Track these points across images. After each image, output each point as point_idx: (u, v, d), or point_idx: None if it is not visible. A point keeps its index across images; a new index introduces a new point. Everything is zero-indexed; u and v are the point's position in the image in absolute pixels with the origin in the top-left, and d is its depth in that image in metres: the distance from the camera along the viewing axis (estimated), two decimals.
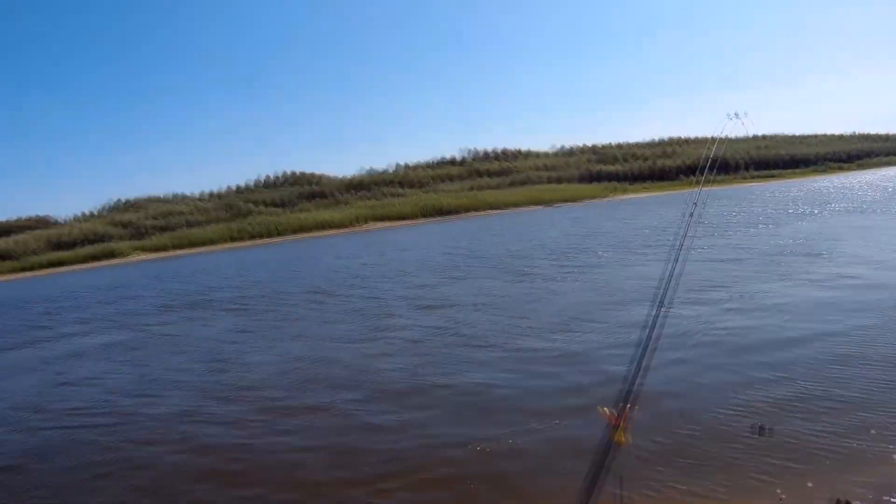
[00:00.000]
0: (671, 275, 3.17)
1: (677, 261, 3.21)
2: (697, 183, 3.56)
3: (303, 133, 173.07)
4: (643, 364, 2.80)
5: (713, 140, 3.77)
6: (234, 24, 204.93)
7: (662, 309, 3.05)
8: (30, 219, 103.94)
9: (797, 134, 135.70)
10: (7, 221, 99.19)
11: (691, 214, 3.36)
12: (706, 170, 3.67)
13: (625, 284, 14.31)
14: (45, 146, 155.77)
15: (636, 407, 2.65)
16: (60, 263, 75.61)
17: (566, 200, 77.93)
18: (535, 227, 38.58)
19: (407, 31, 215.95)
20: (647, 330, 2.97)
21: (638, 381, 2.73)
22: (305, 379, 9.52)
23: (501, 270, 18.94)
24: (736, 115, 3.54)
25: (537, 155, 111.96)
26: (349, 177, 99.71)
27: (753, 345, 8.66)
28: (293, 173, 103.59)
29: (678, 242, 3.25)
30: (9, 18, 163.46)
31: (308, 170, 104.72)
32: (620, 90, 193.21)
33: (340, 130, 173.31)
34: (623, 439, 2.54)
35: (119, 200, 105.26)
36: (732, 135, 3.63)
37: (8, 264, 77.08)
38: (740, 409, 6.42)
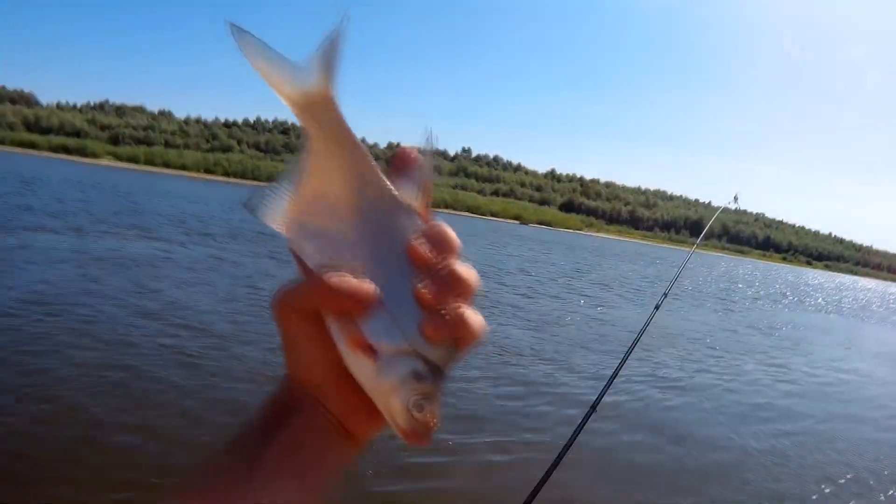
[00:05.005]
0: (613, 376, 2.32)
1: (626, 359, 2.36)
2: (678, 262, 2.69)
3: None
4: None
5: (711, 208, 2.96)
6: None
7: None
8: (14, 91, 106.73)
9: (777, 218, 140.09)
10: None
11: (657, 307, 2.50)
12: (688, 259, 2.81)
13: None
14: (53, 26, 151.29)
15: None
16: (31, 146, 78.75)
17: (542, 223, 78.15)
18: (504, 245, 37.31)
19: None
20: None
21: None
22: None
23: None
24: (736, 198, 3.59)
25: (527, 172, 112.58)
26: None
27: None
28: (284, 122, 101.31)
29: (634, 338, 2.38)
30: None
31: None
32: (617, 129, 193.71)
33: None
34: None
35: (106, 101, 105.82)
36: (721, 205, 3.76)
37: None
38: None
